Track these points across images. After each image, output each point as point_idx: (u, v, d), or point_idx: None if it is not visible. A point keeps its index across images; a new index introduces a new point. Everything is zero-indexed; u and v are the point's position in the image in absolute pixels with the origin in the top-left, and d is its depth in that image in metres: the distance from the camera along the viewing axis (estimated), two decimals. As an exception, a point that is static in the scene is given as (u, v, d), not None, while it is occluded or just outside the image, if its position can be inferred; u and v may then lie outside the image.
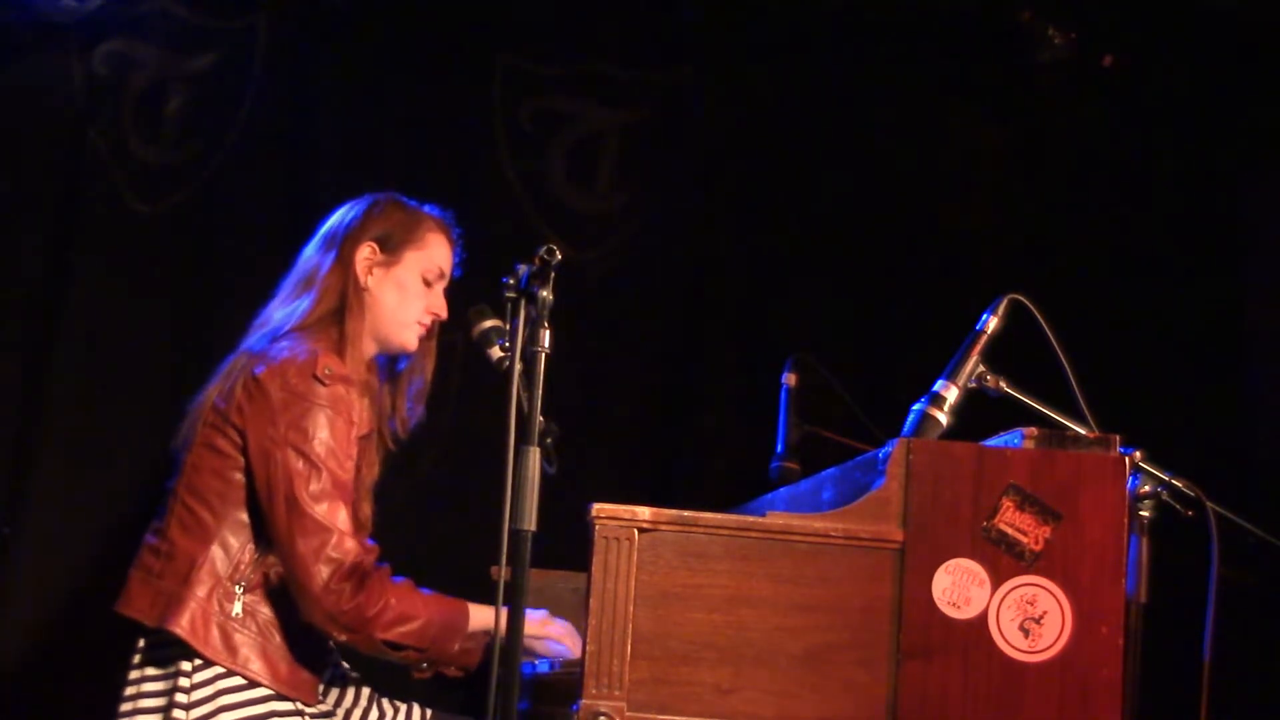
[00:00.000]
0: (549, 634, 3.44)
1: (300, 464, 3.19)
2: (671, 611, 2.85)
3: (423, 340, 3.54)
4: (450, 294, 3.59)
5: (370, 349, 3.46)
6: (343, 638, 3.22)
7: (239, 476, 3.27)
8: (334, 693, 3.46)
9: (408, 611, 3.23)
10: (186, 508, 3.28)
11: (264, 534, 3.27)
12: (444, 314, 3.54)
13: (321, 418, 3.23)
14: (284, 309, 3.44)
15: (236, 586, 3.23)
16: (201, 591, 3.20)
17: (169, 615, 3.19)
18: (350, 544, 3.19)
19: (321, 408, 3.23)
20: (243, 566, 3.24)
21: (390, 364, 3.56)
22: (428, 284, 3.50)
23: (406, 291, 3.47)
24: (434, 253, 3.51)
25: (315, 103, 4.87)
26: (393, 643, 3.23)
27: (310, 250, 3.51)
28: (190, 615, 3.18)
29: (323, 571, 3.16)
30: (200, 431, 3.31)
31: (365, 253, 3.45)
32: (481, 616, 3.34)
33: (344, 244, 3.46)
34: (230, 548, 3.25)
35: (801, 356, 4.11)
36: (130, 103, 4.76)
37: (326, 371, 3.24)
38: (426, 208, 3.56)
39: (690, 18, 5.05)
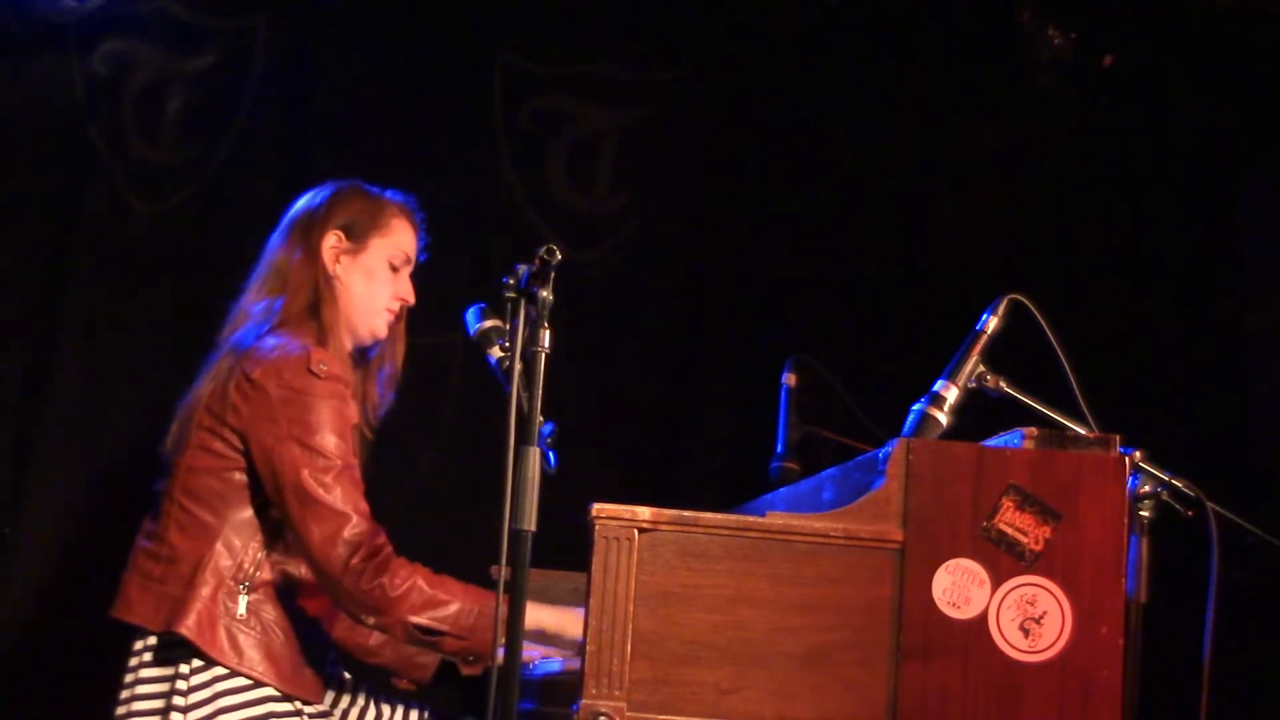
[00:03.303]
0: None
1: (306, 455, 3.19)
2: (671, 611, 2.85)
3: (394, 325, 3.54)
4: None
5: (346, 338, 3.46)
6: (370, 621, 3.17)
7: (239, 477, 3.27)
8: (331, 693, 3.46)
9: (439, 595, 3.16)
10: (184, 510, 3.27)
11: (267, 533, 3.27)
12: (411, 299, 3.55)
13: (323, 409, 3.23)
14: (260, 305, 3.43)
15: (240, 586, 3.23)
16: (206, 592, 3.20)
17: (175, 618, 3.18)
18: (368, 526, 3.18)
19: (321, 399, 3.23)
20: (246, 566, 3.24)
21: (360, 353, 3.56)
22: (394, 270, 3.51)
23: (374, 278, 3.48)
24: (399, 238, 3.52)
25: (315, 103, 4.87)
26: (426, 627, 3.15)
27: (276, 241, 3.51)
28: (196, 616, 3.18)
29: (341, 554, 3.14)
30: (194, 434, 3.30)
31: (331, 241, 3.46)
32: (531, 616, 3.13)
33: (311, 234, 3.46)
34: (233, 548, 3.25)
35: (801, 356, 4.11)
36: (130, 103, 4.76)
37: (321, 366, 3.25)
38: (389, 193, 3.57)
39: (690, 18, 5.05)
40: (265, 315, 3.39)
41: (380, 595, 3.13)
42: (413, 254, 3.55)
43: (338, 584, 3.16)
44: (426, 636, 3.17)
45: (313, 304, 3.41)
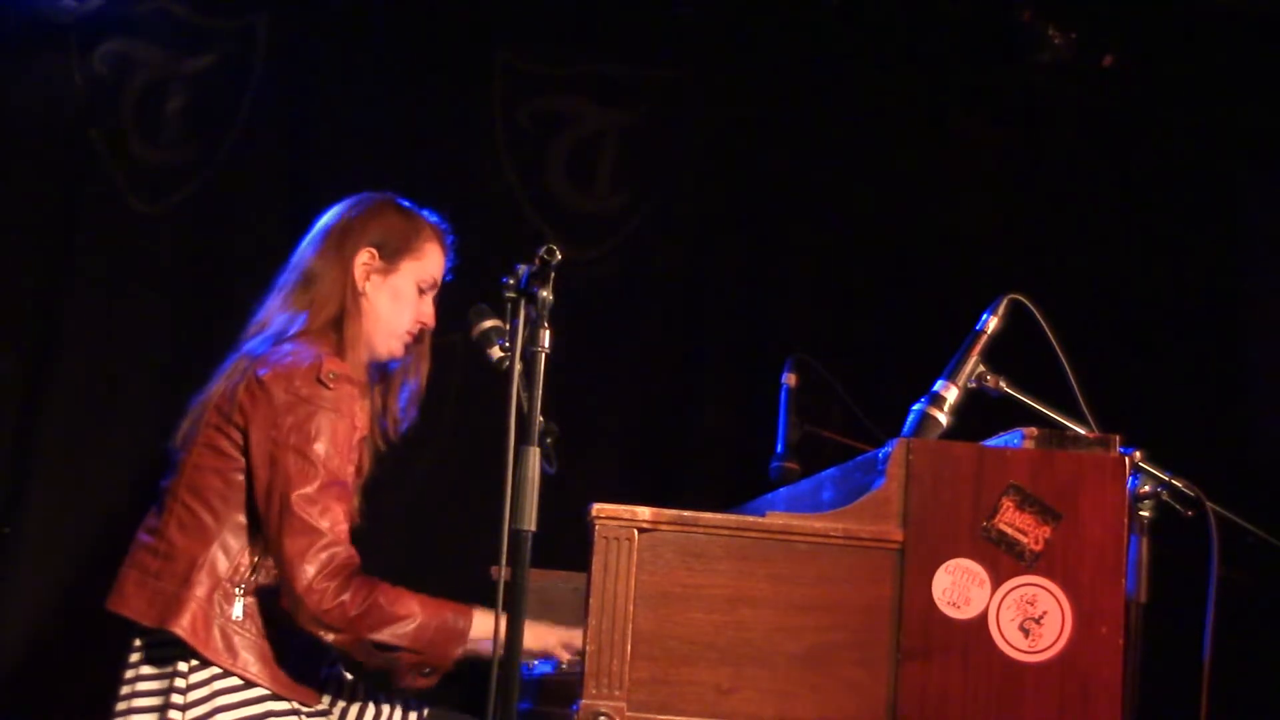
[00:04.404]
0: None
1: (299, 466, 3.18)
2: (671, 611, 2.85)
3: (414, 345, 3.53)
4: (450, 294, 3.58)
5: (364, 355, 3.45)
6: (329, 638, 3.16)
7: (240, 478, 3.26)
8: (329, 694, 3.45)
9: (398, 612, 3.16)
10: (186, 507, 3.27)
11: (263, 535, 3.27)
12: (432, 323, 3.53)
13: (324, 420, 3.22)
14: (284, 312, 3.42)
15: (237, 589, 3.22)
16: (201, 592, 3.20)
17: (169, 616, 3.18)
18: (339, 547, 3.16)
19: (325, 411, 3.22)
20: (243, 569, 3.24)
21: (381, 366, 3.55)
22: (421, 292, 3.50)
23: (400, 300, 3.46)
24: (429, 263, 3.51)
25: (315, 103, 4.88)
26: (383, 644, 3.15)
27: (308, 249, 3.49)
28: (191, 616, 3.18)
29: (308, 571, 3.13)
30: (202, 432, 3.30)
31: (364, 258, 3.44)
32: (485, 625, 3.16)
33: (344, 247, 3.45)
34: (231, 549, 3.24)
35: (801, 356, 4.11)
36: (130, 103, 4.76)
37: (331, 375, 3.24)
38: (424, 213, 3.55)
39: (689, 18, 5.05)
40: (289, 324, 3.39)
41: (339, 615, 3.13)
42: (440, 278, 3.54)
43: (299, 600, 3.14)
44: (384, 652, 3.17)
45: (337, 317, 3.40)
